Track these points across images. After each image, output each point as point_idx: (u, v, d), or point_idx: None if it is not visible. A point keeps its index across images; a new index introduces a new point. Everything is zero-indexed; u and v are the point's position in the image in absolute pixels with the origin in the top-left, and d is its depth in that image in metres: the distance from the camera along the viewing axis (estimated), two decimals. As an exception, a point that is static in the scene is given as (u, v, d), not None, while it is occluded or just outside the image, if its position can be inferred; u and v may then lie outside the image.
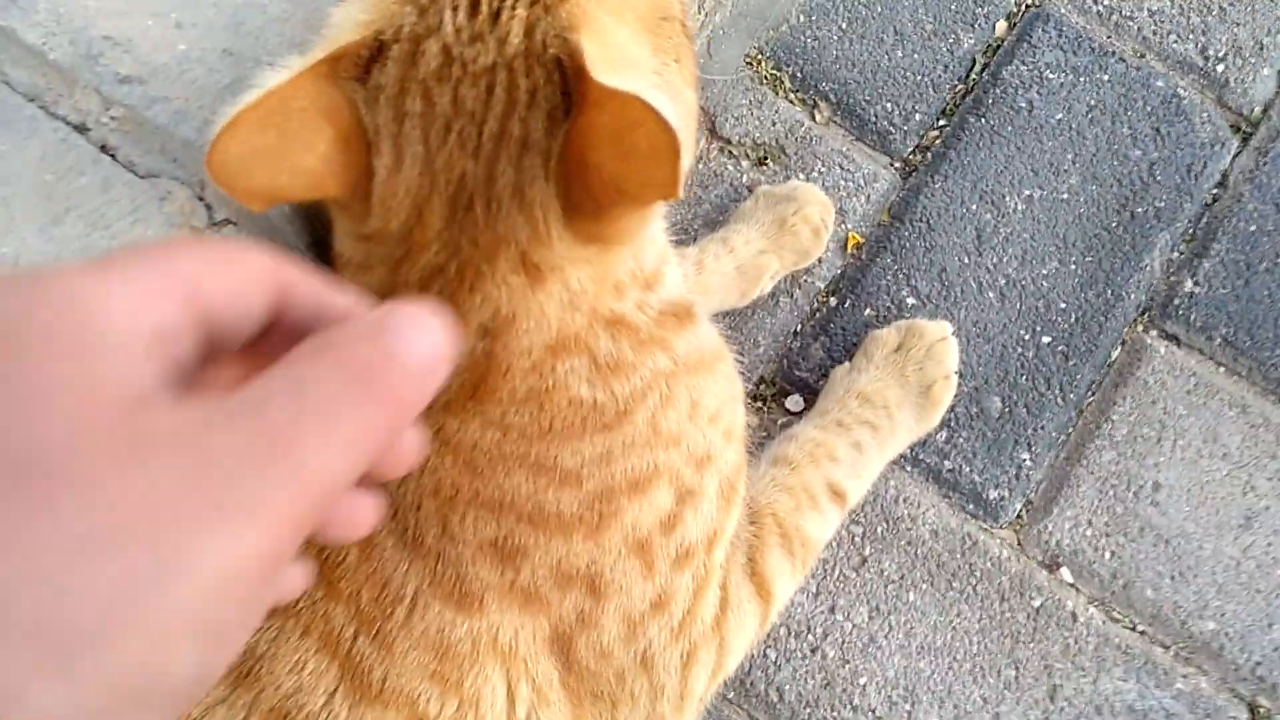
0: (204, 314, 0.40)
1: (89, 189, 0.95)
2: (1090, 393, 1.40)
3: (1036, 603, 1.33)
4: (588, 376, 0.81)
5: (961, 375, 1.34)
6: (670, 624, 0.90)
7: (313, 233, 1.01)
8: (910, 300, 1.42)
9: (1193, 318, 1.43)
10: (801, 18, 1.53)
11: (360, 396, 0.38)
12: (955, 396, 1.33)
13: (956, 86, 1.52)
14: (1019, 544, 1.35)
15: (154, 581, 0.35)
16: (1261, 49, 1.54)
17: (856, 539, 1.34)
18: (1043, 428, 1.38)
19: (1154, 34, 1.54)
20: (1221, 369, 1.41)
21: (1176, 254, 1.46)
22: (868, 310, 1.42)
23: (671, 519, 0.89)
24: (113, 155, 0.97)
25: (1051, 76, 1.52)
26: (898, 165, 1.49)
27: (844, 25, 1.52)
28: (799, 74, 1.51)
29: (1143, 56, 1.53)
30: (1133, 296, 1.44)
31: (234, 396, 0.37)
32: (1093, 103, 1.51)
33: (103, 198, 0.95)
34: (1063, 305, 1.42)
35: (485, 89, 0.68)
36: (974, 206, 1.46)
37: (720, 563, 0.98)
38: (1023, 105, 1.50)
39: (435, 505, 0.82)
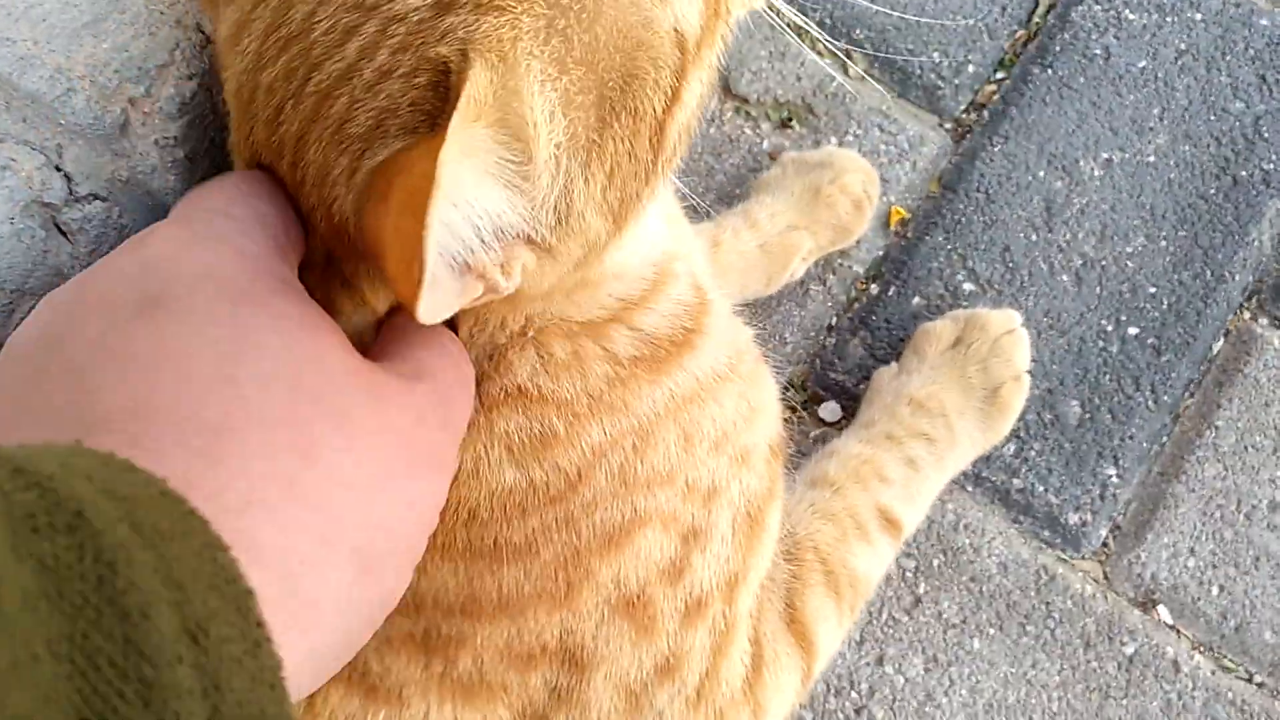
0: None
1: (-87, 157, 0.75)
2: (1188, 394, 1.19)
3: (1129, 649, 1.13)
4: (511, 460, 0.72)
5: (1032, 375, 1.13)
6: (684, 691, 0.81)
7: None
8: (968, 286, 1.20)
9: (1311, 301, 1.21)
10: (831, -49, 1.31)
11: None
12: (1026, 401, 1.12)
13: (1017, 32, 1.31)
14: (1106, 578, 1.15)
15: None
16: (1384, -21, 1.30)
17: (909, 575, 1.15)
18: (1132, 437, 1.17)
19: (1254, -37, 1.31)
20: (1348, 362, 1.18)
21: (1289, 225, 1.23)
22: (916, 299, 1.20)
23: (677, 566, 0.78)
24: (-56, 114, 0.77)
25: (1132, 17, 1.30)
26: (948, 126, 1.28)
27: (882, -40, 1.31)
28: (829, 19, 1.30)
29: (1241, -10, 1.30)
30: (1238, 278, 1.22)
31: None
32: (1183, 47, 1.28)
33: (-68, 168, 0.75)
34: (1152, 290, 1.20)
35: (344, 28, 0.57)
36: (1041, 173, 1.24)
37: (748, 611, 0.85)
38: (1098, 52, 1.28)
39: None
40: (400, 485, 0.51)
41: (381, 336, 0.62)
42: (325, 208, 0.59)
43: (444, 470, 0.57)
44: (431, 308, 0.53)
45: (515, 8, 0.55)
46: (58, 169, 0.77)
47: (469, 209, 0.55)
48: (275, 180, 0.61)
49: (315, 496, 0.46)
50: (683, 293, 0.80)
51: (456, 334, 0.68)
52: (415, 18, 0.55)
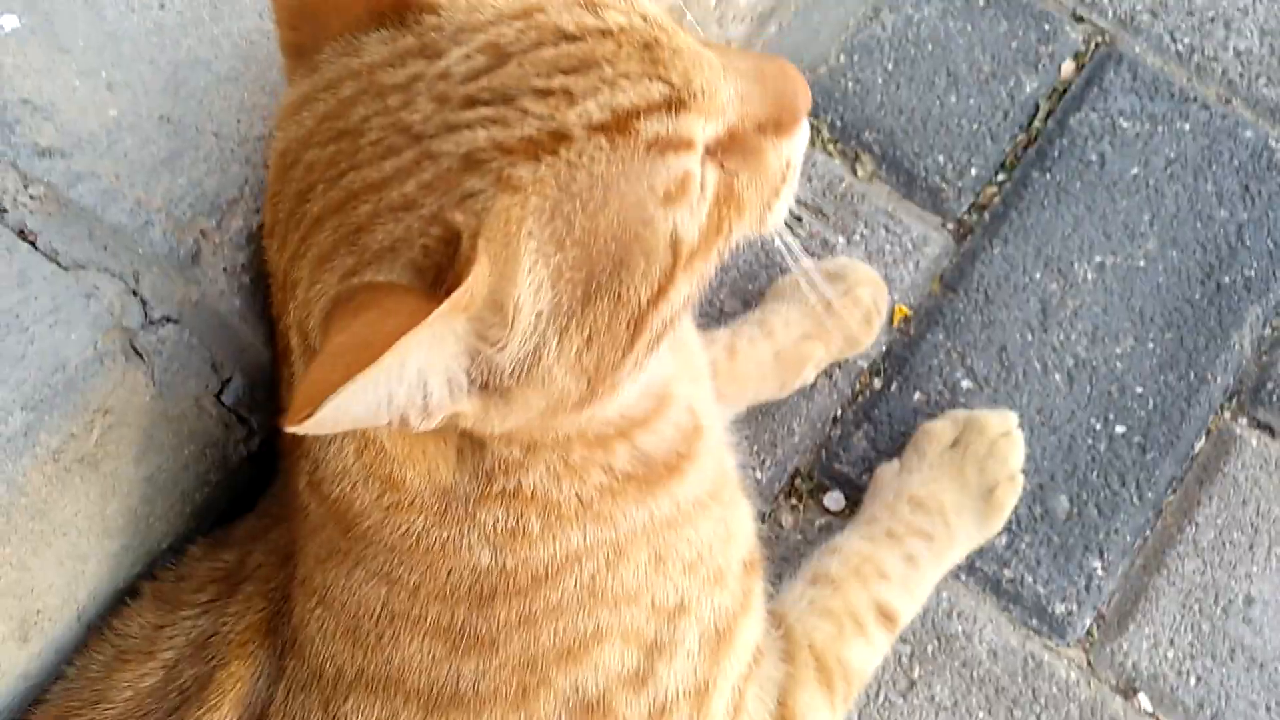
0: None
1: (2, 283, 0.80)
2: (1171, 491, 1.24)
3: (1111, 734, 1.17)
4: (492, 542, 0.75)
5: (1025, 471, 1.18)
6: None
7: (269, 331, 0.85)
8: (965, 383, 1.26)
9: (1288, 404, 1.26)
10: (842, 58, 1.36)
11: None
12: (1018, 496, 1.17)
13: (1018, 136, 1.36)
14: (1090, 665, 1.20)
15: None
16: (1363, 95, 1.37)
17: (904, 659, 1.19)
18: (1116, 531, 1.22)
19: (1240, 77, 1.37)
20: (1321, 464, 1.24)
21: (1269, 330, 1.29)
22: (917, 394, 1.25)
23: (640, 675, 0.81)
24: (32, 242, 0.82)
25: (1125, 125, 1.35)
26: (950, 227, 1.33)
27: (890, 66, 1.36)
28: (839, 121, 1.35)
29: (1228, 102, 1.36)
30: (1219, 379, 1.27)
31: None
32: (1172, 155, 1.34)
33: (18, 294, 0.80)
34: (1139, 390, 1.26)
35: (388, 146, 0.64)
36: (1038, 275, 1.29)
37: (721, 714, 0.87)
38: (1093, 158, 1.34)
39: (318, 694, 0.78)
40: None
41: None
42: (309, 287, 0.65)
43: None
44: (304, 428, 0.55)
45: (528, 188, 0.61)
46: (135, 294, 0.83)
47: (410, 374, 0.60)
48: None
49: None
50: (679, 417, 0.85)
51: None
52: (445, 164, 0.62)
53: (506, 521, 0.75)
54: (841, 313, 1.19)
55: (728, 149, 0.69)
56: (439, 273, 0.61)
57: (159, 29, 0.85)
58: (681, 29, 0.68)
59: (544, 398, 0.68)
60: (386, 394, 0.59)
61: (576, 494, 0.77)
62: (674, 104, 0.64)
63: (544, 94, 0.62)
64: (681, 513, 0.83)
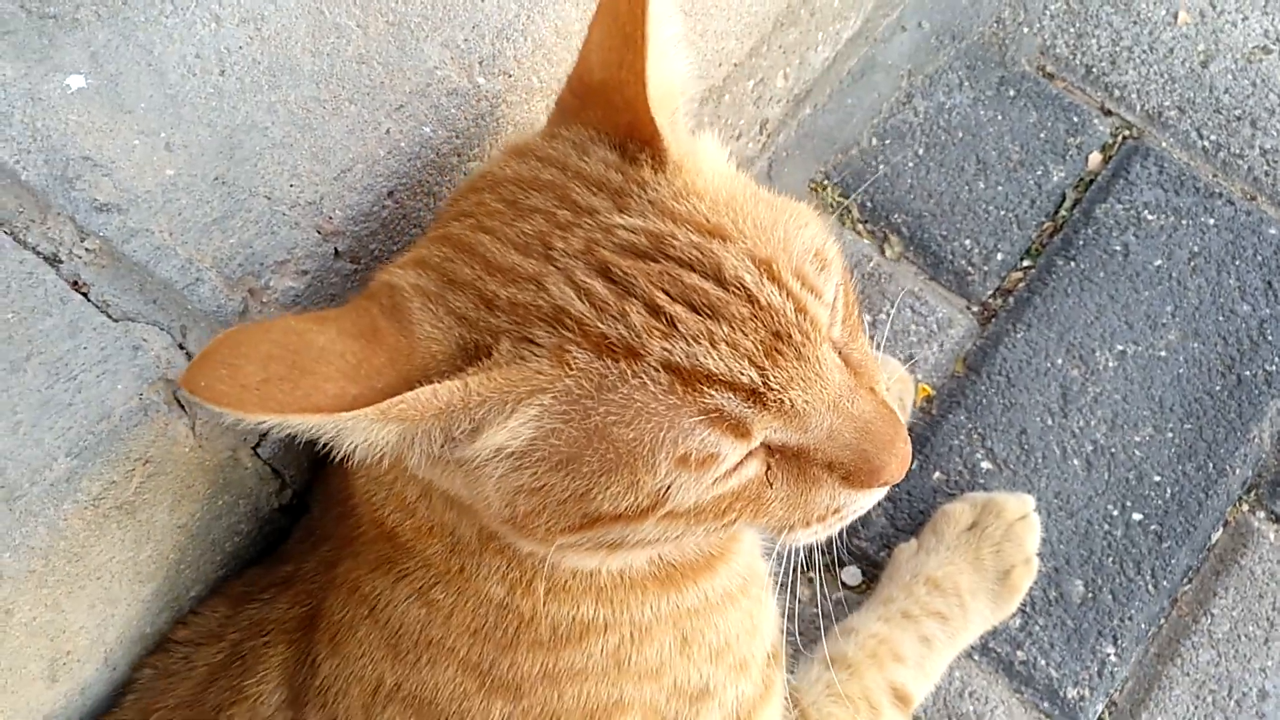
0: None
1: (54, 332, 0.82)
2: (1186, 580, 1.25)
3: (1119, 824, 1.17)
4: (505, 582, 0.78)
5: (1040, 555, 1.19)
6: None
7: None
8: (985, 464, 1.27)
9: (1305, 499, 1.27)
10: (874, 141, 1.39)
11: None
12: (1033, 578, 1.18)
13: (1044, 224, 1.38)
14: (1101, 752, 1.19)
15: None
16: (1387, 196, 1.38)
17: None
18: (1131, 618, 1.22)
19: (1266, 174, 1.39)
20: (1338, 560, 1.25)
21: (1288, 425, 1.30)
22: (936, 474, 1.26)
23: None
24: (84, 293, 0.85)
25: (1150, 218, 1.37)
26: (975, 310, 1.34)
27: (921, 151, 1.39)
28: (869, 203, 1.37)
29: (1253, 199, 1.38)
30: (1238, 472, 1.28)
31: None
32: (1196, 249, 1.36)
33: (69, 343, 0.82)
34: (1157, 478, 1.27)
35: (523, 245, 0.69)
36: (1060, 361, 1.31)
37: None
38: (1117, 249, 1.35)
39: (359, 696, 0.80)
40: None
41: None
42: None
43: None
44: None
45: (569, 372, 0.63)
46: (181, 348, 0.85)
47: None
48: None
49: None
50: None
51: None
52: (540, 299, 0.65)
53: (510, 571, 0.77)
54: None
55: (786, 459, 0.68)
56: (466, 359, 0.64)
57: (219, 93, 0.89)
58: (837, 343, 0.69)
59: (469, 493, 0.70)
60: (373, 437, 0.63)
61: (582, 578, 0.79)
62: (754, 397, 0.63)
63: (654, 310, 0.63)
64: (709, 604, 0.84)
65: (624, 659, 0.79)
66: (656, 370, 0.62)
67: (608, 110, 0.69)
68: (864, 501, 0.72)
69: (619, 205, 0.66)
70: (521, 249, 0.66)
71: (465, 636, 0.78)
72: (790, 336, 0.64)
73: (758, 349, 0.63)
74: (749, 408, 0.63)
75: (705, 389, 0.62)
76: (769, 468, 0.68)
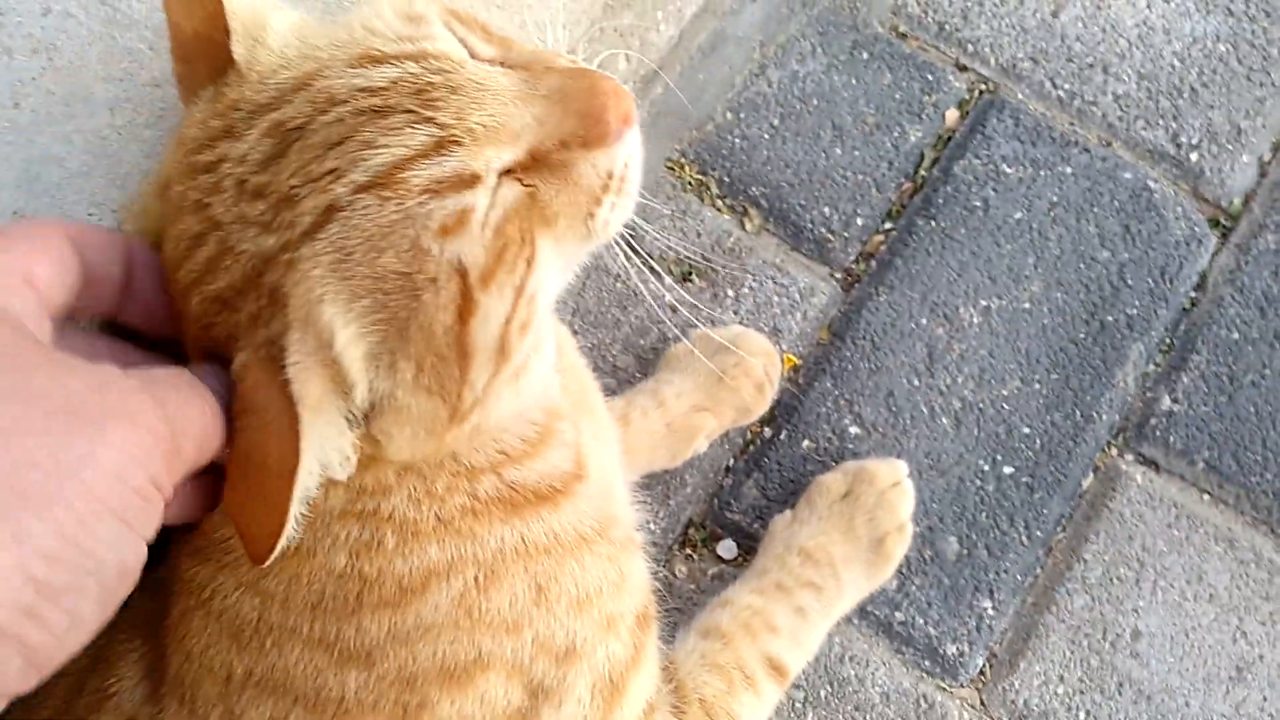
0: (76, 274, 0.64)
1: None
2: (1059, 529, 1.27)
3: (1004, 772, 1.20)
4: (347, 549, 0.76)
5: (914, 516, 1.19)
6: None
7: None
8: (854, 429, 1.28)
9: (1172, 440, 1.29)
10: (729, 115, 1.39)
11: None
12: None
13: (903, 185, 1.39)
14: (982, 704, 1.22)
15: (76, 461, 0.52)
16: (1239, 134, 1.40)
17: (797, 704, 1.21)
18: (1006, 571, 1.24)
19: (1120, 120, 1.40)
20: (1206, 497, 1.27)
21: (1152, 367, 1.32)
22: (806, 442, 1.28)
23: (525, 716, 0.81)
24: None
25: (1009, 171, 1.38)
26: (838, 276, 1.35)
27: (776, 122, 1.39)
28: (726, 178, 1.38)
29: (1109, 145, 1.40)
30: (1105, 417, 1.30)
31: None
32: (1055, 199, 1.37)
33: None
34: (1026, 430, 1.28)
35: (196, 239, 0.68)
36: (924, 321, 1.32)
37: None
38: (977, 204, 1.36)
39: (213, 686, 0.78)
40: (41, 436, 0.52)
41: None
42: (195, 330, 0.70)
43: (126, 421, 0.56)
44: (271, 558, 0.65)
45: (310, 264, 0.64)
46: None
47: (314, 468, 0.66)
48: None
49: None
50: (560, 459, 0.85)
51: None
52: (247, 263, 0.66)
53: (362, 535, 0.77)
54: (734, 383, 1.21)
55: (529, 168, 0.69)
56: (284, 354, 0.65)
57: (14, 127, 0.88)
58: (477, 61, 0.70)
59: (412, 423, 0.71)
60: (304, 491, 0.65)
61: (435, 513, 0.78)
62: (445, 144, 0.65)
63: (316, 180, 0.64)
64: (560, 543, 0.83)
65: (473, 606, 0.79)
66: (356, 201, 0.64)
67: (210, 59, 0.71)
68: (620, 152, 0.73)
69: (234, 136, 0.68)
70: (199, 244, 0.68)
71: (306, 613, 0.77)
72: (431, 85, 0.66)
73: (414, 114, 0.65)
74: (450, 156, 0.65)
75: (402, 177, 0.64)
76: (523, 183, 0.69)
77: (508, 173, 0.68)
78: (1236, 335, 1.32)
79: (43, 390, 0.53)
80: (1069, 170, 1.38)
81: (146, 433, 0.56)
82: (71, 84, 0.89)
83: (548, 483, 0.84)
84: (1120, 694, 1.21)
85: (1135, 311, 1.32)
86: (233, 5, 0.70)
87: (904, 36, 1.44)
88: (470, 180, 0.66)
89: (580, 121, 0.70)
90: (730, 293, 1.32)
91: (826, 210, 1.36)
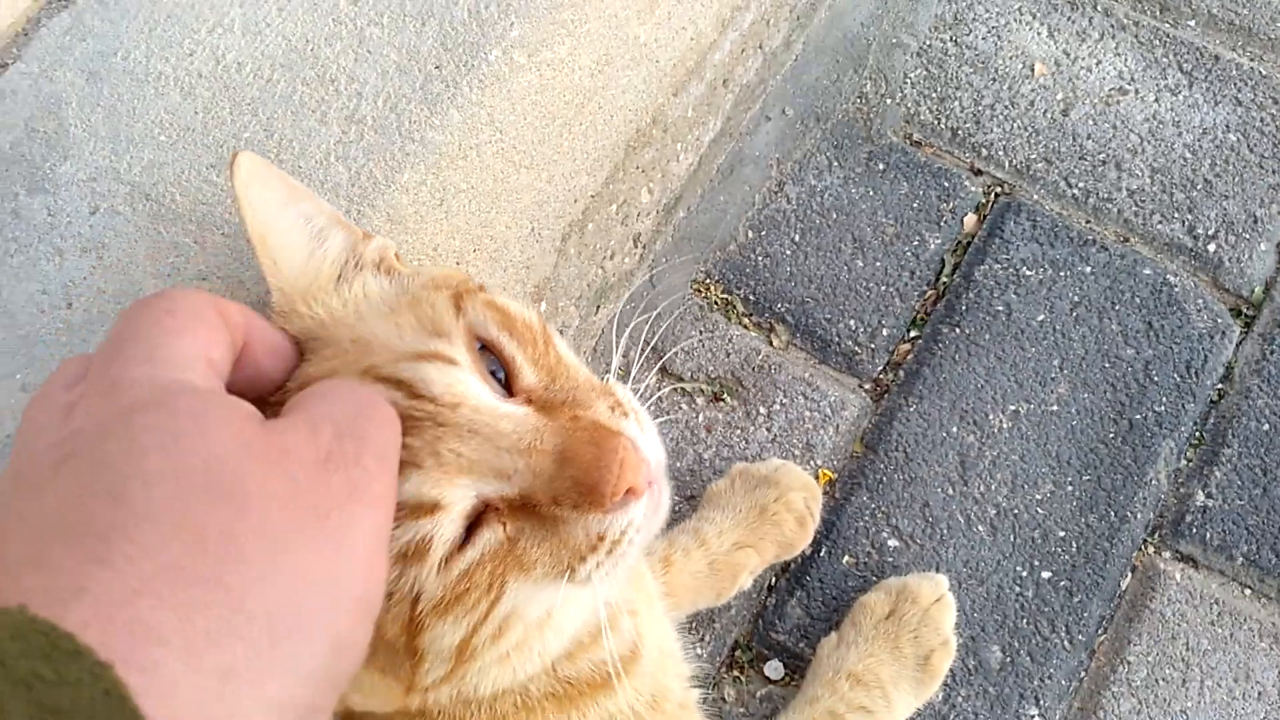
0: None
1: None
2: (1101, 631, 1.27)
3: None
4: None
5: (956, 626, 1.21)
6: None
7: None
8: (892, 542, 1.29)
9: (1209, 535, 1.29)
10: (750, 234, 1.42)
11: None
12: (950, 651, 1.20)
13: (926, 293, 1.41)
14: (1036, 813, 1.21)
15: (354, 548, 0.51)
16: (1255, 222, 1.41)
17: None
18: (1050, 676, 1.25)
19: (1136, 215, 1.42)
20: (1247, 592, 1.28)
21: (1184, 463, 1.33)
22: (846, 557, 1.29)
23: None
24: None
25: (1029, 273, 1.40)
26: (867, 387, 1.37)
27: (796, 237, 1.42)
28: (751, 295, 1.40)
29: (1126, 241, 1.41)
30: (1139, 516, 1.30)
31: (292, 419, 0.54)
32: (1076, 299, 1.39)
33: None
34: (1061, 534, 1.29)
35: None
36: (955, 429, 1.33)
37: None
38: (1000, 309, 1.38)
39: None
40: (306, 540, 0.49)
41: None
42: None
43: (364, 503, 0.53)
44: None
45: None
46: None
47: None
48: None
49: (209, 575, 0.45)
50: (616, 645, 0.83)
51: None
52: None
53: None
54: (776, 519, 1.22)
55: (520, 513, 0.68)
56: None
57: (68, 328, 0.91)
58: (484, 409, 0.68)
59: (369, 692, 0.71)
60: None
61: (488, 714, 0.79)
62: (404, 467, 0.62)
63: None
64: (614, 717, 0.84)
65: None
66: None
67: None
68: (620, 520, 0.69)
69: None
70: None
71: None
72: (413, 414, 0.64)
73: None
74: (404, 480, 0.62)
75: None
76: (507, 526, 0.67)
77: (495, 511, 0.67)
78: (1266, 426, 1.33)
79: (292, 491, 0.50)
80: (1088, 269, 1.40)
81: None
82: (121, 280, 0.93)
83: (602, 671, 0.83)
84: (1173, 797, 1.21)
85: (1163, 408, 1.34)
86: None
87: (918, 144, 1.47)
88: (429, 508, 0.63)
89: (573, 487, 0.67)
90: (763, 410, 1.35)
91: (852, 322, 1.39)
